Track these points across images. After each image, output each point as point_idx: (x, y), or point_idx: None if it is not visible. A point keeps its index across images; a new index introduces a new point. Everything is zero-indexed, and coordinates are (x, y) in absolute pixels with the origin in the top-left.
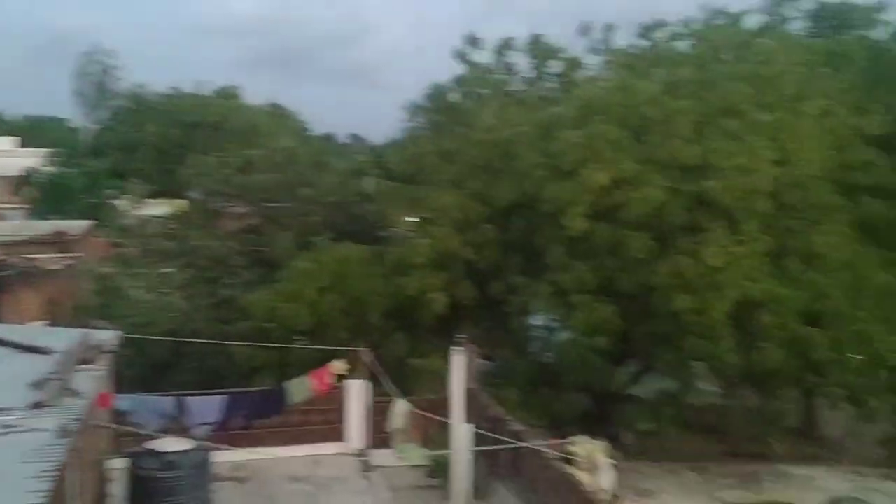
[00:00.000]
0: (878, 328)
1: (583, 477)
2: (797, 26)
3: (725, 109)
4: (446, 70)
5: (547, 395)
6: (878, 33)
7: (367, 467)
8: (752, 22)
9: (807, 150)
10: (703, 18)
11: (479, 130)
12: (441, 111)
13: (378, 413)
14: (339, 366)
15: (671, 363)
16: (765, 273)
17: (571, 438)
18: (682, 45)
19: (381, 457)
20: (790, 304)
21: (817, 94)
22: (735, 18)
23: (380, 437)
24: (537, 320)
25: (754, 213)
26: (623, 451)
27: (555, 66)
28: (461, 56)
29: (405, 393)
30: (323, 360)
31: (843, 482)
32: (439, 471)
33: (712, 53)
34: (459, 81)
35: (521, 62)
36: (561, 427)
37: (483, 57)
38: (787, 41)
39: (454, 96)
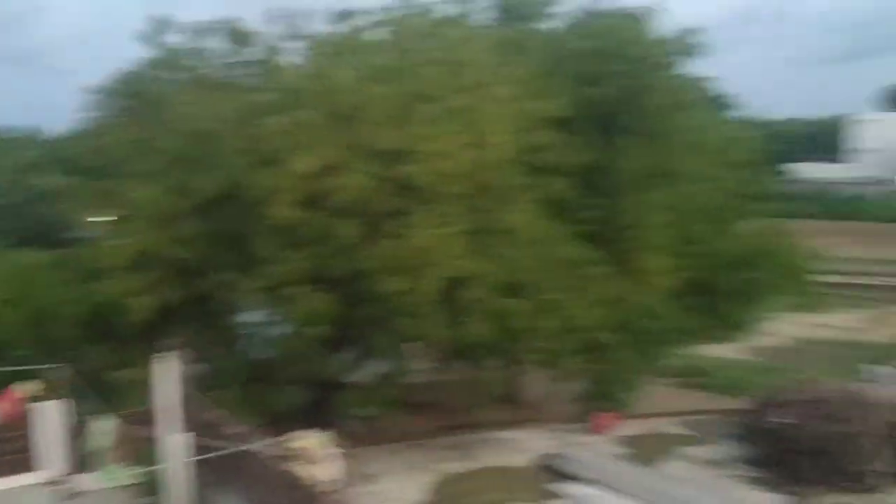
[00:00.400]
0: (567, 296)
1: (307, 471)
2: (483, 17)
3: (422, 95)
4: (133, 54)
5: (267, 392)
6: (553, 24)
7: (67, 496)
8: (443, 11)
9: (497, 134)
10: (398, 7)
11: (178, 118)
12: (133, 97)
13: (82, 434)
14: (26, 388)
15: (387, 345)
16: (467, 251)
17: (293, 433)
18: (380, 33)
19: (85, 482)
20: (491, 279)
21: (504, 80)
22: (427, 8)
23: (84, 460)
24: (252, 315)
25: (454, 195)
26: (347, 439)
27: (254, 52)
28: (151, 39)
29: (113, 408)
30: (8, 382)
31: (547, 440)
32: (155, 487)
33: (408, 41)
34: (152, 66)
35: (219, 47)
36: (284, 423)
37: (177, 40)
38: (475, 30)
39: (147, 82)
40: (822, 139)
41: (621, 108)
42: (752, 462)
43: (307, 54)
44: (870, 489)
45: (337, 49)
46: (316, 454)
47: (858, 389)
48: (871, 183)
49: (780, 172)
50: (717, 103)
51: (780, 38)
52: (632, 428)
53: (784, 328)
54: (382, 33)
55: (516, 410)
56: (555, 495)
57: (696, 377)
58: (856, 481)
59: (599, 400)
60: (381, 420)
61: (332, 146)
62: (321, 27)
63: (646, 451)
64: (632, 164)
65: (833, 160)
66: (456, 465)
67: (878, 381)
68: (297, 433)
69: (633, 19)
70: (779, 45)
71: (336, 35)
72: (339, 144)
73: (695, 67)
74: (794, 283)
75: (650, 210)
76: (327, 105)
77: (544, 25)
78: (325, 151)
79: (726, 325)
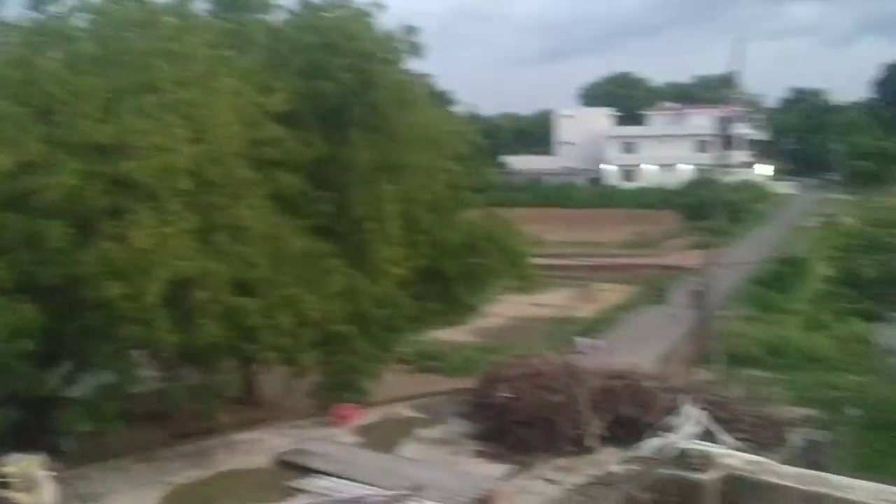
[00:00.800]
0: (301, 290)
1: (21, 498)
2: (201, 7)
3: (139, 87)
4: None
5: None
6: (276, 17)
7: None
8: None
9: (222, 128)
10: None
11: None
12: None
13: None
14: None
15: (109, 355)
16: (194, 250)
17: (2, 458)
18: (87, 20)
19: None
20: (221, 278)
21: (226, 73)
22: None
23: None
24: None
25: (177, 191)
26: (66, 459)
27: None
28: None
29: None
30: None
31: (287, 437)
32: None
33: (116, 29)
34: None
35: None
36: None
37: None
38: (193, 20)
39: None
40: (534, 133)
41: (349, 103)
42: (481, 437)
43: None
44: (586, 451)
45: (36, 35)
46: (27, 479)
47: (571, 360)
48: (576, 172)
49: (497, 165)
50: (438, 99)
51: (491, 38)
52: (370, 416)
53: (506, 309)
54: (90, 20)
55: (254, 411)
56: (296, 491)
57: (429, 361)
58: (574, 445)
59: (338, 392)
60: (105, 435)
61: (33, 140)
62: (15, 11)
63: (383, 437)
64: (361, 158)
65: (544, 153)
66: (190, 475)
67: (587, 351)
68: (6, 458)
69: (357, 14)
70: (491, 44)
71: (36, 20)
72: (41, 138)
73: (417, 64)
74: (513, 267)
75: (381, 202)
76: (28, 96)
77: (267, 17)
78: (24, 146)
79: (455, 309)
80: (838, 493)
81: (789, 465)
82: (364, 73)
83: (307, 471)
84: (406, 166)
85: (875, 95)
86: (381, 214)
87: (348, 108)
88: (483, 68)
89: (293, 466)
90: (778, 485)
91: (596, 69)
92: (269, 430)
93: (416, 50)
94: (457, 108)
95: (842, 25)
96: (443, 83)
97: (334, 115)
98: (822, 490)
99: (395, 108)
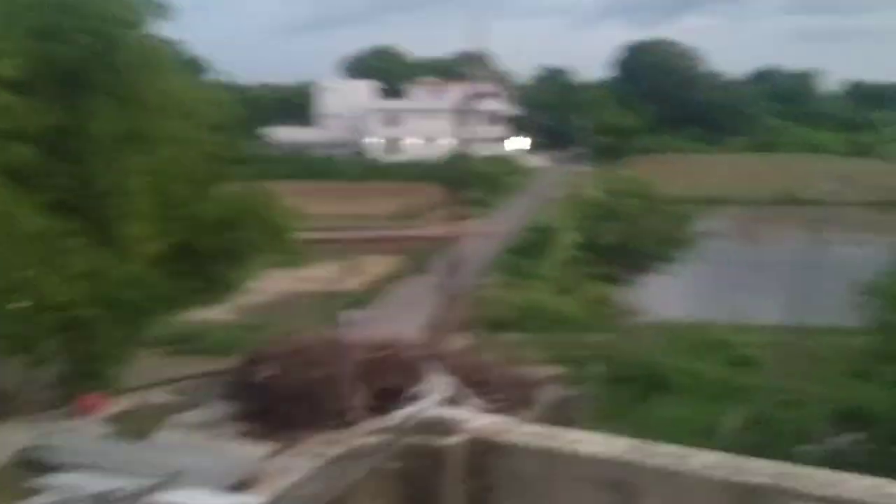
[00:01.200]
0: (38, 272)
1: None
2: None
3: None
4: None
5: None
6: None
7: None
8: None
9: None
10: None
11: None
12: None
13: None
14: None
15: None
16: None
17: None
18: None
19: None
20: None
21: None
22: None
23: None
24: None
25: None
26: None
27: None
28: None
29: None
30: None
31: (26, 433)
32: None
33: None
34: None
35: None
36: None
37: None
38: None
39: None
40: (294, 104)
41: (88, 67)
42: (243, 417)
43: None
44: (350, 423)
45: None
46: None
47: (336, 335)
48: (339, 145)
49: (256, 136)
50: (191, 66)
51: (250, 4)
52: (122, 404)
53: (269, 285)
54: None
55: None
56: (38, 491)
57: (188, 343)
58: (339, 419)
59: (84, 380)
60: None
61: None
62: None
63: (137, 425)
64: (104, 127)
65: (305, 124)
66: None
67: (353, 324)
68: None
69: None
70: (250, 11)
71: None
72: None
73: (167, 28)
74: (276, 241)
75: (128, 175)
76: None
77: None
78: None
79: (214, 287)
80: (573, 448)
81: (541, 422)
82: (104, 36)
83: (51, 467)
84: (155, 136)
85: (616, 74)
86: (128, 188)
87: (88, 74)
88: (242, 36)
89: (35, 464)
90: (518, 444)
91: (358, 41)
92: (5, 426)
93: (163, 13)
94: (213, 76)
95: (590, 8)
96: (197, 50)
97: (73, 81)
98: (558, 445)
99: (141, 75)
